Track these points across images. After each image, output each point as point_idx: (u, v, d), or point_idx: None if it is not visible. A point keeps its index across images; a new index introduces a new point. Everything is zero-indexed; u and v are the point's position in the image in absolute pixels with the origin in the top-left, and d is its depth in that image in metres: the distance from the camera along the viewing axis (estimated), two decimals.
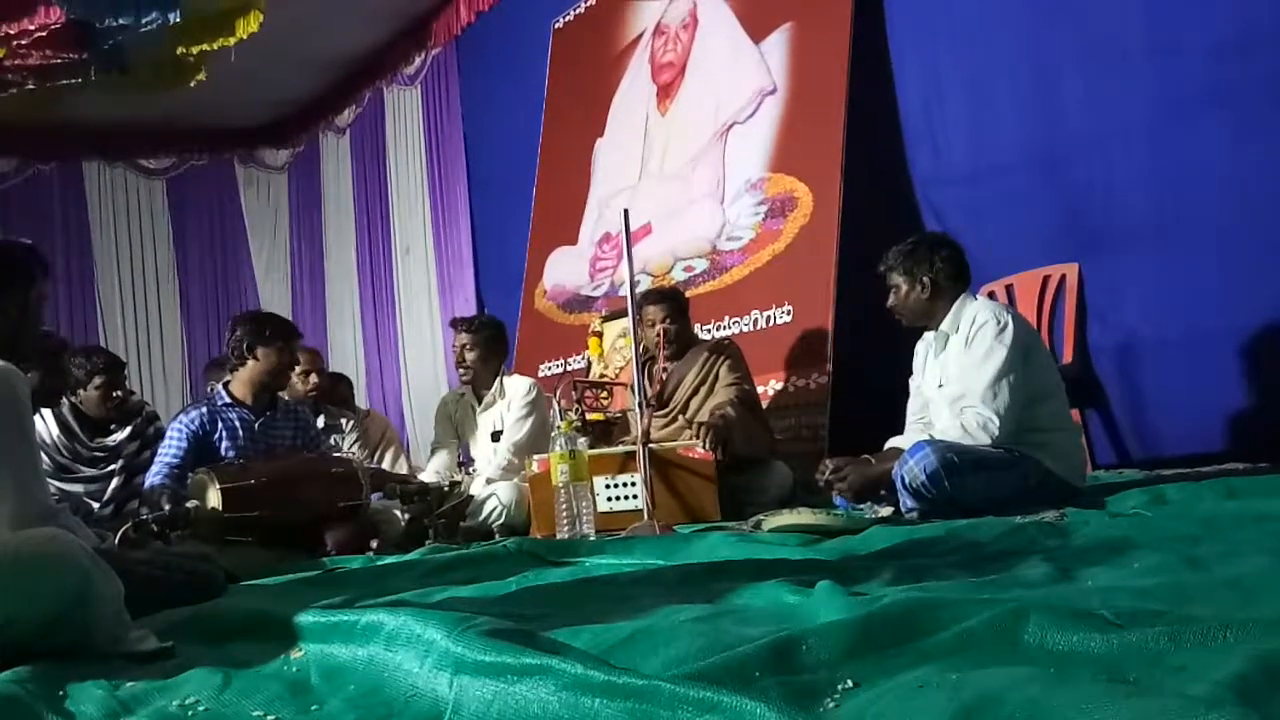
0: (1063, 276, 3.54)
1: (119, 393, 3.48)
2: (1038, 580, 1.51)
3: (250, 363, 3.21)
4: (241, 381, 3.24)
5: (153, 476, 3.13)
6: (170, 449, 3.16)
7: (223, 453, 3.14)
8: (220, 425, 3.18)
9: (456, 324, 3.88)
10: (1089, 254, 3.50)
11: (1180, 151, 3.24)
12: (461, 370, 3.83)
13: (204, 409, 3.21)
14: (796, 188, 4.26)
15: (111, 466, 3.46)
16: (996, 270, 3.66)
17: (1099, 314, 3.47)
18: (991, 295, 3.55)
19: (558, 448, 2.80)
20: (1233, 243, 3.12)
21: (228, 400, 3.23)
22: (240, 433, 3.18)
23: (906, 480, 2.53)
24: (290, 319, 3.46)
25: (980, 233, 3.58)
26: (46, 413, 3.33)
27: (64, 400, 3.33)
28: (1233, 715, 0.72)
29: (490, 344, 3.78)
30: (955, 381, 2.68)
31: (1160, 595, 1.27)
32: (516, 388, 3.76)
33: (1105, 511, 2.32)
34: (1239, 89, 3.09)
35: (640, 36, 5.35)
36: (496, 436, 3.71)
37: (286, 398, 3.44)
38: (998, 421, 2.55)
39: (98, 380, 3.40)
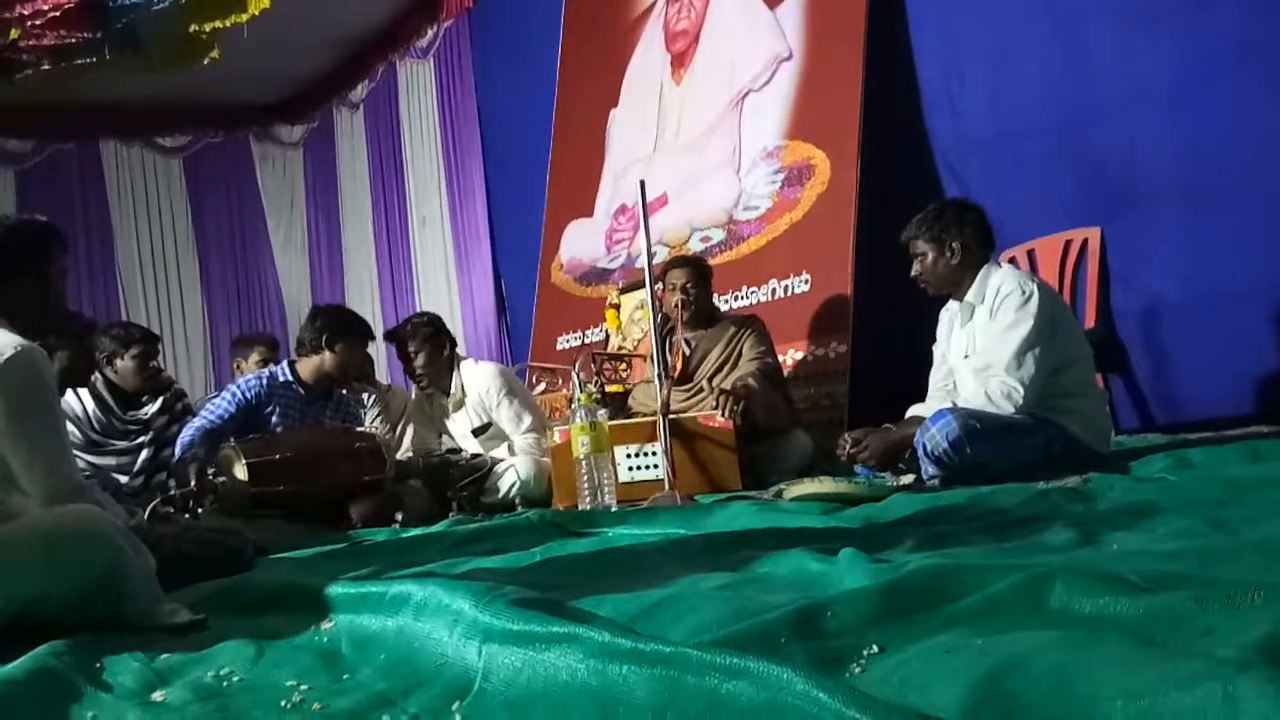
0: (1085, 240, 3.51)
1: (155, 363, 3.53)
2: (1062, 545, 1.51)
3: (326, 354, 3.31)
4: (310, 367, 3.35)
5: (186, 433, 3.24)
6: (215, 410, 3.28)
7: (272, 427, 3.25)
8: (275, 401, 3.29)
9: (389, 336, 3.75)
10: (1112, 217, 3.46)
11: (1204, 112, 3.19)
12: (416, 378, 3.72)
13: (264, 381, 3.33)
14: (814, 155, 4.22)
15: (141, 439, 3.51)
16: (1018, 235, 3.62)
17: (1122, 278, 3.44)
18: (1013, 260, 3.51)
19: (578, 420, 2.81)
20: (1257, 204, 3.08)
21: (290, 378, 3.33)
22: (292, 412, 3.30)
23: (928, 447, 2.52)
24: (365, 319, 3.47)
25: (1001, 197, 3.54)
26: (82, 389, 3.38)
27: (97, 375, 3.37)
28: (1261, 677, 0.71)
29: (434, 339, 3.65)
30: (980, 352, 2.66)
31: (1186, 559, 1.26)
32: (481, 381, 3.63)
33: (1130, 476, 2.31)
34: (1267, 48, 3.03)
35: (653, 5, 5.29)
36: (479, 432, 3.63)
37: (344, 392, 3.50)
38: (1022, 391, 2.54)
39: (134, 350, 3.45)
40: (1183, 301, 3.26)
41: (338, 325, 3.31)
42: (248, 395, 3.28)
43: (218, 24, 5.22)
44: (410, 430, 4.23)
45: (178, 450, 3.27)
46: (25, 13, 4.75)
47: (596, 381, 3.51)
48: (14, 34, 4.95)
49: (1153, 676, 0.77)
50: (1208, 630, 0.93)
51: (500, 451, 3.55)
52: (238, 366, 4.85)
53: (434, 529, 2.60)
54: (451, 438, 3.73)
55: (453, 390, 3.68)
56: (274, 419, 3.28)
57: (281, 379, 3.34)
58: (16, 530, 1.47)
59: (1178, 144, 3.26)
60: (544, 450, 3.48)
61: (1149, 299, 3.36)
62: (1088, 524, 1.66)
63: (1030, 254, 3.63)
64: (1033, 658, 0.86)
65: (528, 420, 3.59)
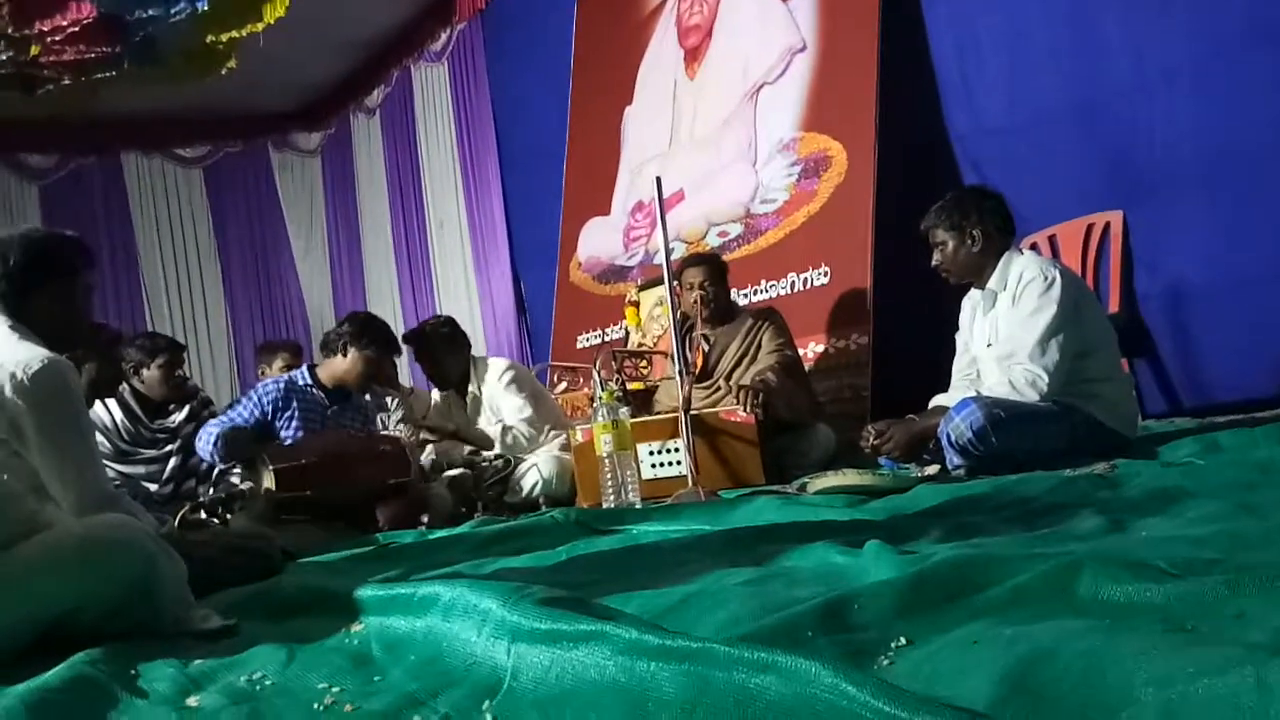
0: (1107, 224, 3.47)
1: (180, 372, 3.57)
2: (1090, 533, 1.50)
3: (339, 358, 3.35)
4: (328, 370, 3.39)
5: (206, 436, 3.25)
6: (240, 412, 3.32)
7: (290, 430, 3.28)
8: (295, 403, 3.33)
9: (405, 340, 3.77)
10: (1133, 200, 3.42)
11: (1224, 92, 3.14)
12: (431, 380, 3.82)
13: (283, 385, 3.36)
14: (830, 146, 4.20)
15: (170, 447, 3.55)
16: (1039, 221, 3.59)
17: (1145, 261, 3.40)
18: (1034, 247, 3.49)
19: (600, 418, 2.82)
20: (1279, 185, 3.04)
21: (309, 381, 3.38)
22: (313, 416, 3.33)
23: (953, 437, 2.51)
24: (394, 333, 3.49)
25: (1021, 184, 3.51)
26: (110, 399, 3.43)
27: (124, 385, 3.42)
28: None
29: (445, 344, 3.74)
30: (1003, 340, 2.64)
31: (1216, 543, 1.25)
32: (489, 375, 3.72)
33: (1157, 461, 2.29)
34: None
35: (665, 0, 5.29)
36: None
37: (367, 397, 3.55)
38: (1046, 378, 2.52)
39: (160, 359, 3.49)
40: (1207, 283, 3.22)
41: (354, 334, 3.34)
42: (269, 400, 3.32)
43: (234, 34, 5.25)
44: None
45: (198, 450, 3.30)
46: (45, 29, 4.81)
47: (618, 379, 3.51)
48: (34, 50, 5.01)
49: (1183, 663, 0.76)
50: (1239, 615, 0.92)
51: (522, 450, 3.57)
52: (262, 373, 4.89)
53: (460, 530, 2.61)
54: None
55: (470, 391, 3.70)
56: (294, 423, 3.30)
57: (301, 382, 3.38)
58: (50, 541, 1.49)
59: (1195, 126, 3.22)
60: (535, 440, 3.54)
61: (1173, 282, 3.33)
62: (1116, 510, 1.64)
63: (1052, 239, 3.60)
64: (1062, 647, 0.85)
65: (529, 412, 3.60)
